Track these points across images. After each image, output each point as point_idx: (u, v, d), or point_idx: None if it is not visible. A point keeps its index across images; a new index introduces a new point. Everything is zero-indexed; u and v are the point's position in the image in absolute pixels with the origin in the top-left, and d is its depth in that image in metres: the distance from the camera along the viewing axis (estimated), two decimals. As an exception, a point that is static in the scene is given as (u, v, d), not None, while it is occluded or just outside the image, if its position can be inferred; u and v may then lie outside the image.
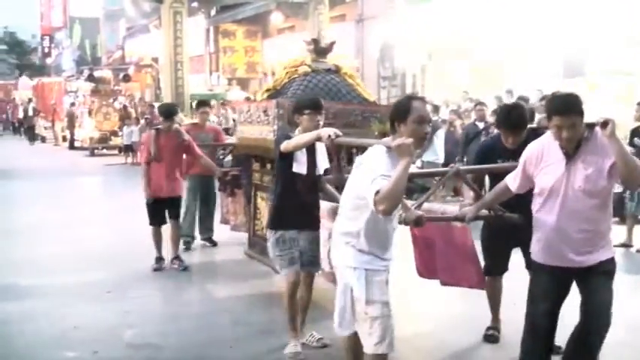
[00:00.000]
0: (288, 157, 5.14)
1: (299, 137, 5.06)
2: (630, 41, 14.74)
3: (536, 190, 4.15)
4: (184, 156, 8.31)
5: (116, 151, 24.82)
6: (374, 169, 3.63)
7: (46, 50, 64.56)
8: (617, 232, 8.25)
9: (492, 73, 18.70)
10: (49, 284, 7.38)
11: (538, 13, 16.07)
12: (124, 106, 26.88)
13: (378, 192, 3.50)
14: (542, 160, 4.10)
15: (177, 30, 23.03)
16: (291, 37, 28.81)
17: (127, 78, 30.80)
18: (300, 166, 5.18)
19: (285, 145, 5.06)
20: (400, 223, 4.17)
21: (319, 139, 4.83)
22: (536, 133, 4.84)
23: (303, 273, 5.24)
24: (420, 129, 3.76)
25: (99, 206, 13.78)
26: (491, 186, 5.04)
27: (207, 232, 9.45)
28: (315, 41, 6.96)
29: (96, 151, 25.57)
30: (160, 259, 8.06)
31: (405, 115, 3.76)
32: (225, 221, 8.68)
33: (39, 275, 7.76)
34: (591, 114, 4.13)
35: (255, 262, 7.21)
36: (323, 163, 5.34)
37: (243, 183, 7.64)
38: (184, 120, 18.68)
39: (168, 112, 8.27)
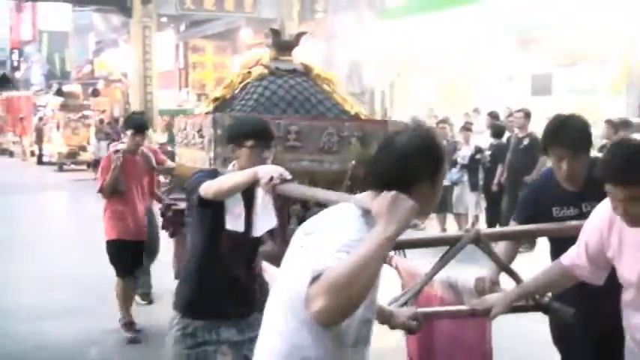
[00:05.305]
0: (213, 207, 3.31)
1: (226, 178, 3.26)
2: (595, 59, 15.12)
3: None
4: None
5: (84, 166, 24.57)
6: (335, 240, 1.97)
7: (15, 64, 63.97)
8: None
9: (459, 90, 18.94)
10: (13, 303, 7.33)
11: (506, 32, 16.33)
12: (102, 120, 26.69)
13: (318, 277, 1.85)
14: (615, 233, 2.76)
15: (147, 45, 23.06)
16: (260, 53, 28.97)
17: (96, 93, 30.74)
18: (235, 222, 3.30)
19: (206, 189, 3.24)
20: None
21: (256, 181, 3.02)
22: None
23: None
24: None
25: (66, 223, 13.64)
26: (554, 249, 3.44)
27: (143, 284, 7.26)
28: (275, 32, 5.21)
29: (64, 166, 25.31)
30: (130, 323, 6.28)
31: None
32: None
33: (2, 294, 7.70)
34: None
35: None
36: (266, 219, 3.32)
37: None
38: (153, 138, 18.61)
39: (139, 124, 6.27)
